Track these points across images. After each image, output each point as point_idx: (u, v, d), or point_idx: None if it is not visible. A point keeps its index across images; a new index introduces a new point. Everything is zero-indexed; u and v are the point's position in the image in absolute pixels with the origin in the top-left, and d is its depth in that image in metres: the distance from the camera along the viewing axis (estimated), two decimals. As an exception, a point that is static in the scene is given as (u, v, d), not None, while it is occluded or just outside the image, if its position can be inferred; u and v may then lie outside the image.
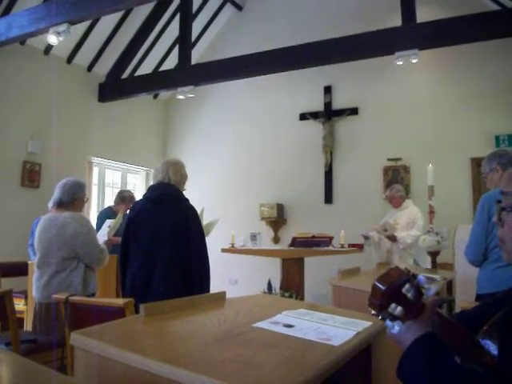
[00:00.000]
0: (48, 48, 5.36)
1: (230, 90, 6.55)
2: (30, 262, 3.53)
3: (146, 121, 7.02)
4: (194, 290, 2.40)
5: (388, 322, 0.87)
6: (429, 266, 3.66)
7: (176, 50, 6.02)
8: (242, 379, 0.83)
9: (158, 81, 5.84)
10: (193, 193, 3.29)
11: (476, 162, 5.13)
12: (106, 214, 4.33)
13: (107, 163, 6.41)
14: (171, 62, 6.49)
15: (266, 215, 6.15)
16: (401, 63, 4.49)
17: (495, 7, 4.88)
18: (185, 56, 5.62)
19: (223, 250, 4.71)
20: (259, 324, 1.21)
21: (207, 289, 2.50)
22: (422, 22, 4.37)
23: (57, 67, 5.45)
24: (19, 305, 3.58)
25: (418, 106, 5.61)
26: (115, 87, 6.09)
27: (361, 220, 5.02)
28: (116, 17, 5.60)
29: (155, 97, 7.15)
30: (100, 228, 3.59)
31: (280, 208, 6.21)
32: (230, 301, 1.57)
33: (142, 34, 6.06)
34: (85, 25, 5.32)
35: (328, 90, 6.17)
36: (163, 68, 6.61)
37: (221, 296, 1.57)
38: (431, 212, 3.63)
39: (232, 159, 6.69)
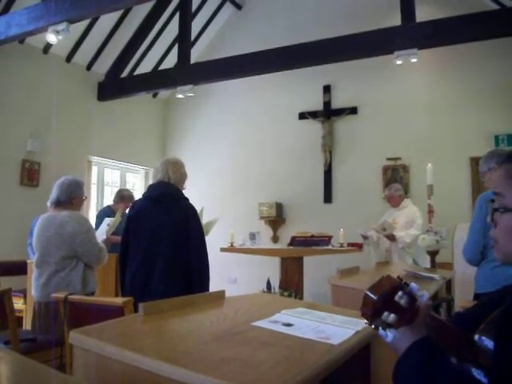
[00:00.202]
0: (47, 47, 5.34)
1: (230, 89, 6.54)
2: (29, 261, 3.52)
3: (146, 120, 7.01)
4: (193, 289, 2.40)
5: (381, 332, 0.85)
6: (428, 266, 3.67)
7: (175, 49, 6.02)
8: (241, 378, 0.83)
9: (158, 80, 5.83)
10: (192, 192, 3.28)
11: (475, 162, 5.12)
12: (105, 213, 4.33)
13: (106, 162, 6.40)
14: (170, 61, 6.48)
15: (265, 214, 6.15)
16: (400, 63, 4.49)
17: (495, 6, 4.87)
18: (184, 55, 5.61)
19: (222, 250, 4.72)
20: (258, 323, 1.21)
21: (207, 288, 2.50)
22: (421, 22, 4.37)
23: (56, 66, 5.43)
24: (18, 304, 3.58)
25: (418, 106, 5.61)
26: (114, 86, 6.08)
27: (360, 219, 5.03)
28: (115, 16, 5.58)
29: (154, 96, 7.15)
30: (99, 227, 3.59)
31: (279, 207, 6.21)
32: (229, 300, 1.57)
33: (141, 33, 6.05)
34: (84, 23, 5.30)
35: (327, 89, 6.17)
36: (162, 67, 6.60)
37: (220, 295, 1.57)
38: (430, 211, 3.63)
39: (231, 158, 6.69)
